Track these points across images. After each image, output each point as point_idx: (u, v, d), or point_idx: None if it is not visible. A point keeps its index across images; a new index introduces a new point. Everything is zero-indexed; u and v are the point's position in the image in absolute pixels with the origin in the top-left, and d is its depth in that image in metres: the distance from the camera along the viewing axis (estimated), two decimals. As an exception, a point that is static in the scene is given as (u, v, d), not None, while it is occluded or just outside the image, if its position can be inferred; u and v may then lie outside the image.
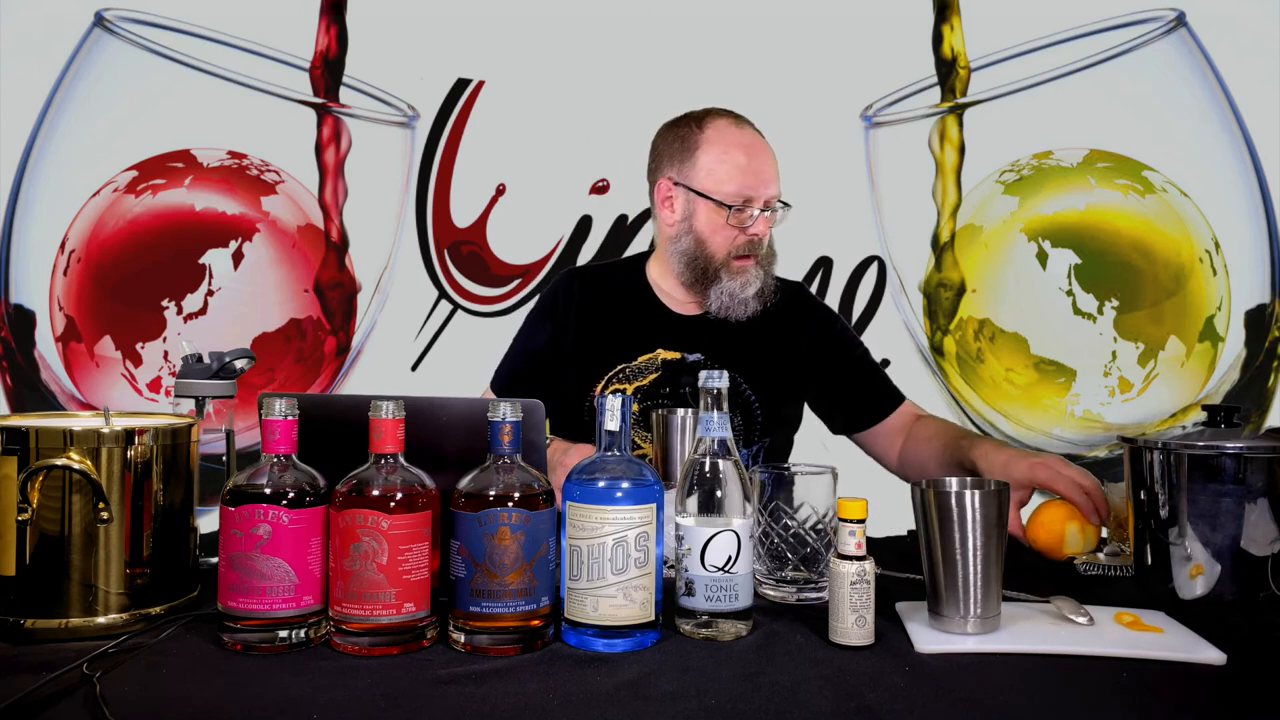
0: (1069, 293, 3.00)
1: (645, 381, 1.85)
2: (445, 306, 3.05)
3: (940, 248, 3.04)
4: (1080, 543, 1.52)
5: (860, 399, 1.96)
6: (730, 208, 1.80)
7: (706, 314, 1.88)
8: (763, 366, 1.86)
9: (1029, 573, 1.44)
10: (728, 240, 1.83)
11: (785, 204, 1.84)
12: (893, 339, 3.04)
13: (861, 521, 1.17)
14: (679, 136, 1.87)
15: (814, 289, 3.03)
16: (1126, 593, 1.36)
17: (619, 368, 1.87)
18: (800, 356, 1.92)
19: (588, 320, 1.94)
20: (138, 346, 2.95)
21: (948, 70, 3.03)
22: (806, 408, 2.01)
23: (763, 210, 1.81)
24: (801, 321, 1.95)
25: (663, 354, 1.87)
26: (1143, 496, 1.35)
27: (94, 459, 1.16)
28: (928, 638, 1.16)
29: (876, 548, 1.38)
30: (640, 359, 1.87)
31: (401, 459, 1.15)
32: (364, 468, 1.15)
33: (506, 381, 1.96)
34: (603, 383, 1.87)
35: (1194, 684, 1.06)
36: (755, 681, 1.04)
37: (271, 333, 2.99)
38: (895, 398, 1.97)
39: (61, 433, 1.16)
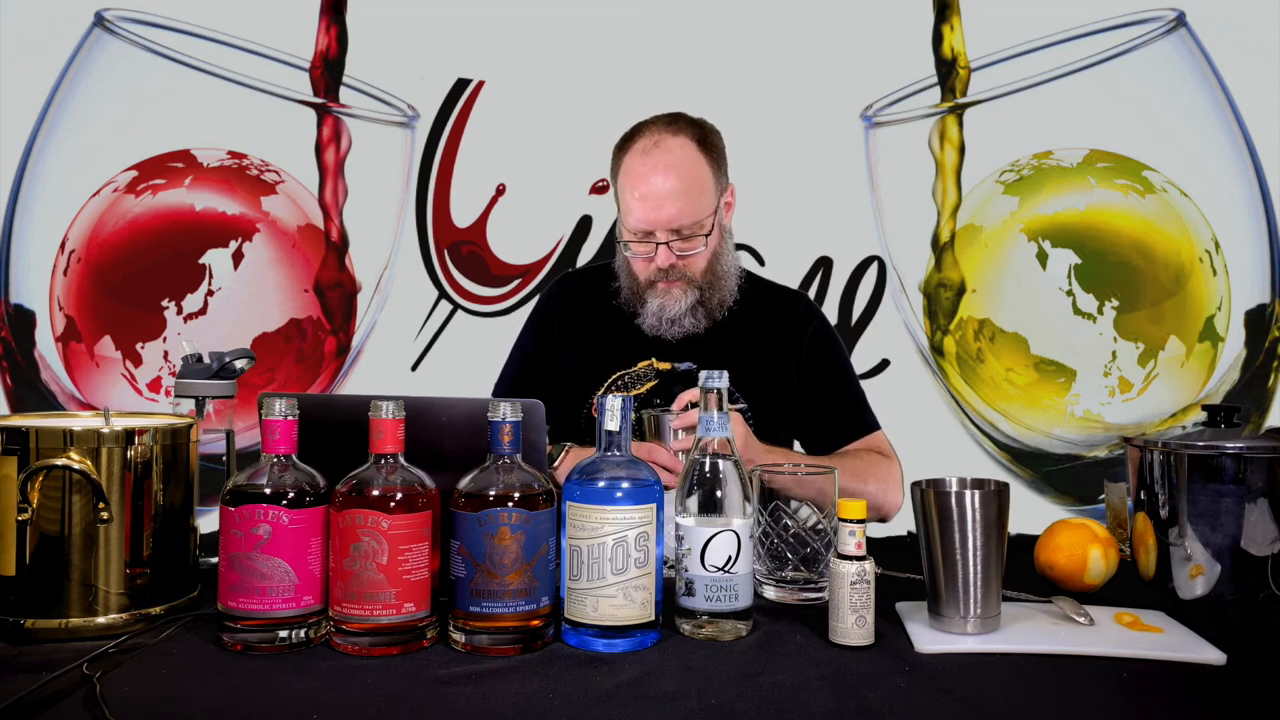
0: (1069, 293, 3.00)
1: (643, 390, 1.84)
2: (445, 306, 3.05)
3: (940, 248, 3.04)
4: (1103, 570, 1.38)
5: (820, 426, 1.90)
6: (628, 241, 1.81)
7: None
8: (756, 374, 1.84)
9: (1029, 573, 1.44)
10: (643, 266, 1.83)
11: (706, 234, 1.79)
12: (893, 339, 3.04)
13: (861, 521, 1.17)
14: (613, 157, 1.87)
15: (814, 289, 3.03)
16: (1127, 593, 1.36)
17: (618, 374, 1.87)
18: (792, 365, 1.90)
19: (586, 326, 1.93)
20: (138, 346, 2.95)
21: (948, 70, 3.03)
22: None
23: (665, 242, 1.77)
24: (796, 330, 1.91)
25: (656, 363, 1.86)
26: (1143, 496, 1.35)
27: (94, 459, 1.16)
28: (928, 638, 1.16)
29: (876, 548, 1.38)
30: (639, 365, 1.87)
31: (401, 459, 1.15)
32: (364, 468, 1.15)
33: (508, 389, 1.96)
34: (603, 389, 1.87)
35: (1194, 684, 1.06)
36: (755, 681, 1.04)
37: (271, 333, 2.99)
38: (854, 432, 1.88)
39: (61, 433, 1.16)
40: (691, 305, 1.82)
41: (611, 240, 3.00)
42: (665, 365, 1.85)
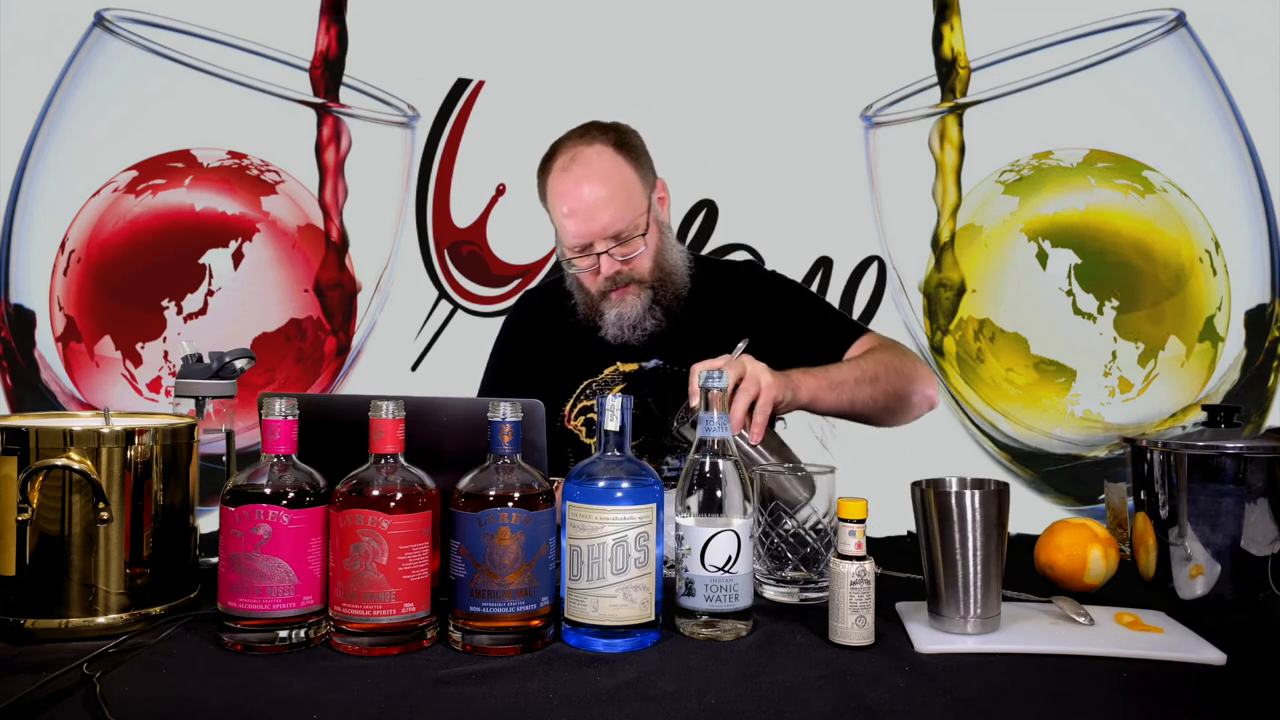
0: (1069, 293, 3.00)
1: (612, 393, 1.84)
2: (445, 306, 3.05)
3: (940, 248, 3.04)
4: (1104, 570, 1.37)
5: (812, 358, 1.81)
6: (571, 258, 1.81)
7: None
8: (726, 351, 1.82)
9: (1029, 573, 1.44)
10: (592, 280, 1.83)
11: (643, 233, 1.79)
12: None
13: (861, 521, 1.17)
14: (537, 180, 1.88)
15: (814, 289, 3.03)
16: (1127, 593, 1.36)
17: (585, 383, 1.87)
18: (758, 328, 1.87)
19: (552, 344, 1.93)
20: (138, 346, 2.95)
21: (948, 70, 3.03)
22: None
23: (605, 251, 1.77)
24: (749, 297, 1.91)
25: (621, 366, 1.86)
26: (1143, 496, 1.35)
27: (94, 459, 1.16)
28: (928, 638, 1.16)
29: (876, 548, 1.38)
30: (605, 372, 1.86)
31: (401, 459, 1.15)
32: (364, 468, 1.15)
33: None
34: (571, 400, 1.86)
35: (1194, 684, 1.06)
36: (755, 681, 1.04)
37: (271, 333, 2.99)
38: (845, 343, 1.85)
39: (61, 433, 1.16)
40: (648, 306, 1.82)
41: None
42: (630, 366, 1.85)
